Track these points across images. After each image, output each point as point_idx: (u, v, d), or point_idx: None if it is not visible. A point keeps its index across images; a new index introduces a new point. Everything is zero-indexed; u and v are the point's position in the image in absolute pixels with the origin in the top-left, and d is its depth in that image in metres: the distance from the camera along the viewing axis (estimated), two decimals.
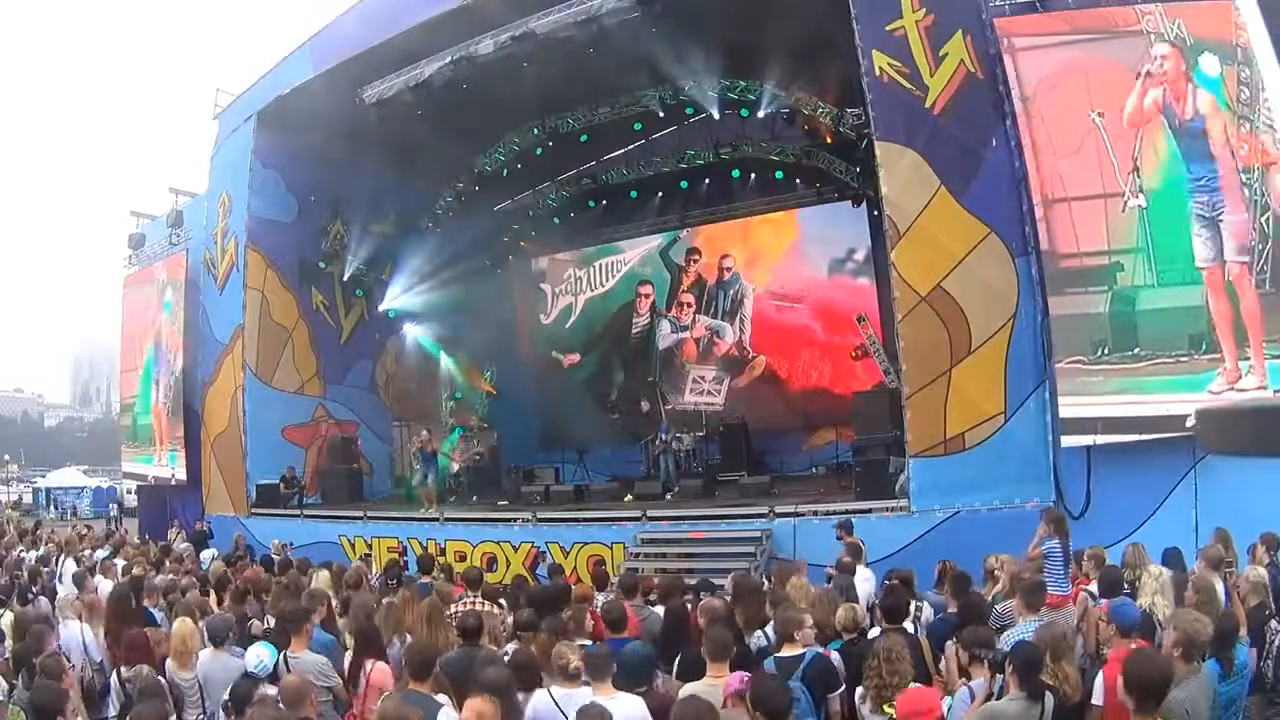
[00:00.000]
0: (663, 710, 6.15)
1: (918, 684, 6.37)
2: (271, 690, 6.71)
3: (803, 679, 6.68)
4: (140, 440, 29.36)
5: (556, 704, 6.19)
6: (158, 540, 21.15)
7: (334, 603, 10.26)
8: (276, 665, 7.31)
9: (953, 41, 15.17)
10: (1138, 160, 14.12)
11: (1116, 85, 14.35)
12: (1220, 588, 8.48)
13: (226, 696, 6.92)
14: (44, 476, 64.95)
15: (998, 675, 6.28)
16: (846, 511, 14.84)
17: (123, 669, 7.86)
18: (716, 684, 6.30)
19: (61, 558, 16.43)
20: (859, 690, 6.33)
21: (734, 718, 5.68)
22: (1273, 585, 8.69)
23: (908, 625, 8.16)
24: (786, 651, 6.93)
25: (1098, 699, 6.27)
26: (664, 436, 22.34)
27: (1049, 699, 6.05)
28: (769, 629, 8.21)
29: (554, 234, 28.99)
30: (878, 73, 15.48)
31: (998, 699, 6.14)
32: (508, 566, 17.41)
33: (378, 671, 7.38)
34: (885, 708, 5.96)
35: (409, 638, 8.48)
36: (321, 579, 11.60)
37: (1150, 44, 14.24)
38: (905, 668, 6.10)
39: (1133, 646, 6.72)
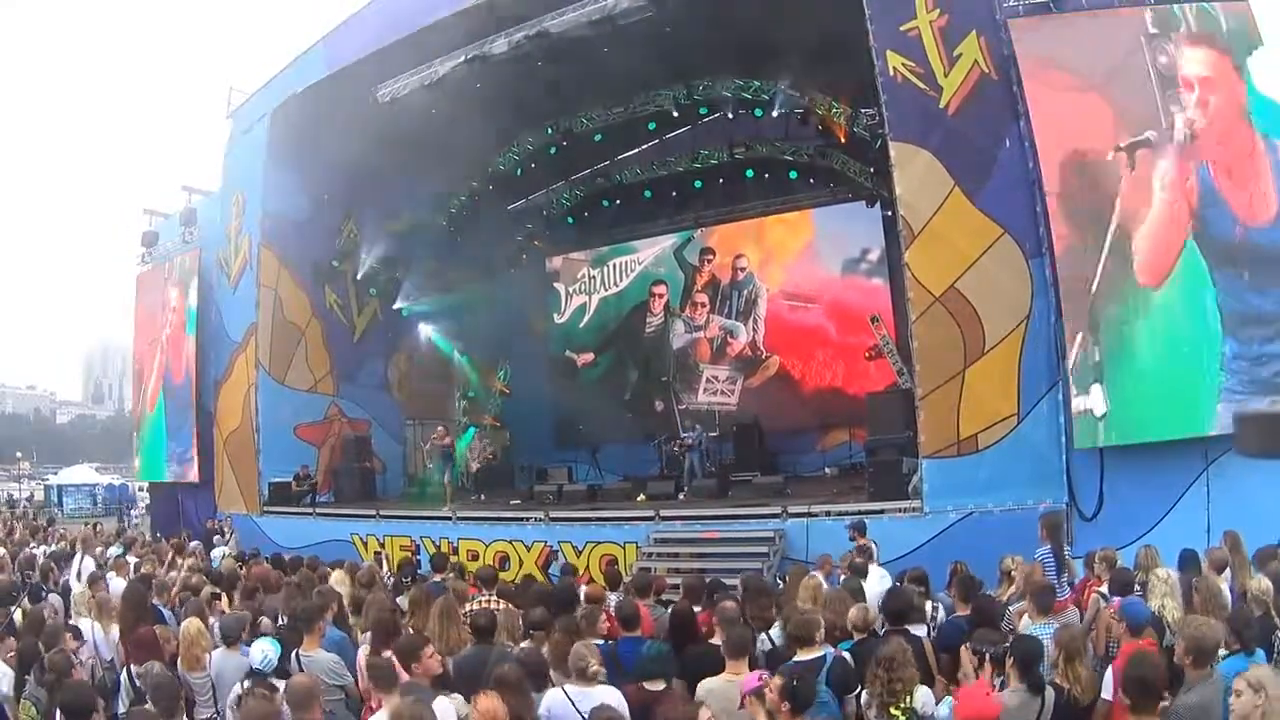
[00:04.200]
0: (633, 705, 6.17)
1: (924, 686, 6.36)
2: (280, 685, 6.73)
3: (827, 682, 6.67)
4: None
5: (572, 702, 6.19)
6: (170, 538, 21.19)
7: (346, 600, 10.29)
8: (288, 662, 7.33)
9: (967, 42, 15.15)
10: None
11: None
12: (1225, 590, 8.47)
13: (236, 694, 6.94)
14: (56, 474, 64.90)
15: (998, 669, 6.31)
16: (860, 512, 14.85)
17: (133, 667, 7.87)
18: (735, 681, 6.29)
19: (79, 555, 16.45)
20: (864, 695, 6.31)
21: (751, 716, 5.66)
22: None
23: (922, 626, 8.15)
24: (805, 655, 6.90)
25: (1107, 694, 6.31)
26: (687, 436, 22.33)
27: (1049, 693, 6.06)
28: (772, 631, 8.22)
29: (568, 233, 29.18)
30: (892, 73, 15.46)
31: (999, 692, 6.15)
32: (520, 566, 17.39)
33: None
34: (891, 711, 5.93)
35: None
36: (336, 578, 11.60)
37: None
38: (909, 672, 6.07)
39: (1141, 644, 6.74)
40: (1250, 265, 13.41)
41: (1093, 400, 13.95)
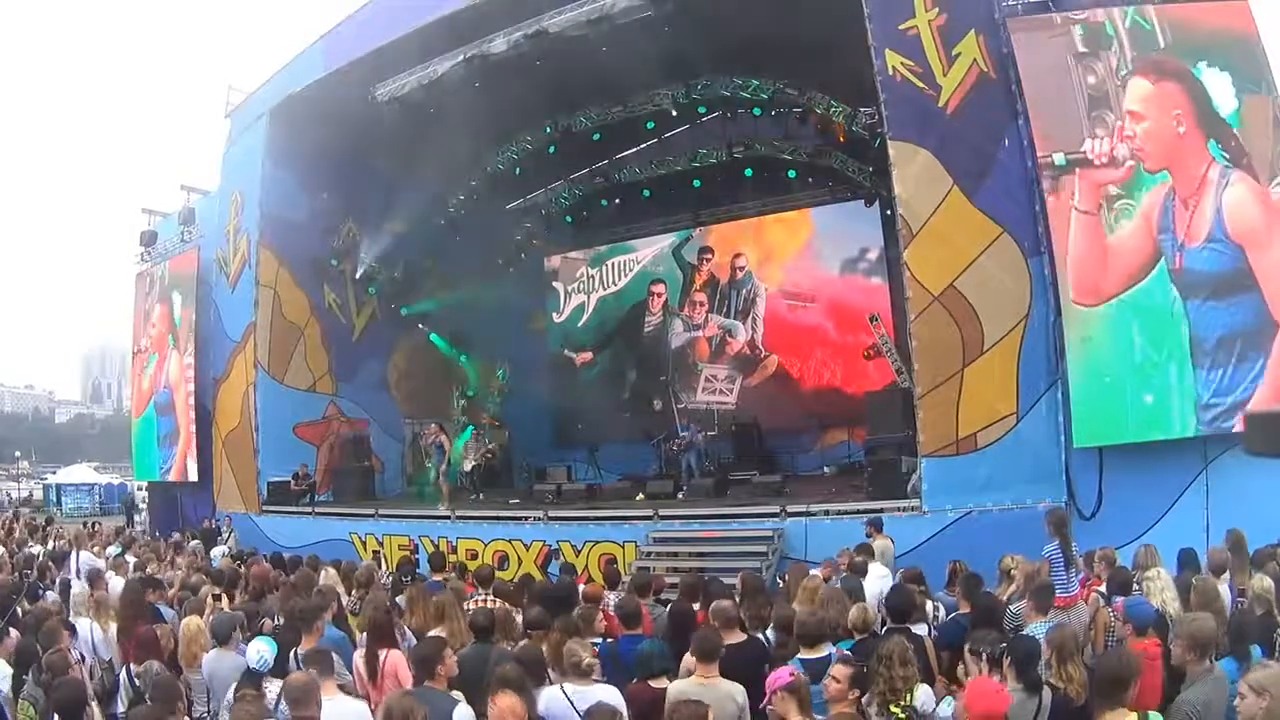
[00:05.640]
0: (638, 702, 6.19)
1: (925, 685, 6.36)
2: (274, 685, 6.71)
3: None
4: None
5: (570, 700, 6.19)
6: (168, 538, 21.22)
7: (344, 599, 10.29)
8: (285, 661, 7.32)
9: (965, 41, 15.16)
10: None
11: None
12: (1225, 590, 8.47)
13: (231, 695, 6.91)
14: (54, 473, 64.85)
15: (995, 669, 6.31)
16: (859, 511, 14.89)
17: (132, 666, 7.86)
18: (706, 684, 6.32)
19: (74, 553, 16.45)
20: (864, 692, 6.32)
21: (784, 711, 5.69)
22: None
23: (923, 625, 8.15)
24: (809, 654, 6.90)
25: None
26: (684, 435, 22.33)
27: (1047, 693, 6.07)
28: (769, 630, 8.22)
29: (566, 233, 29.11)
30: (890, 72, 15.46)
31: None
32: (519, 565, 17.38)
33: (392, 660, 7.37)
34: (891, 709, 5.94)
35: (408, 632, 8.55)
36: (329, 576, 11.60)
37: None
38: (911, 671, 6.08)
39: (1146, 644, 6.75)
40: (1189, 287, 13.81)
41: None
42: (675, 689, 6.31)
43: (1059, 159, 14.24)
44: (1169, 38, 14.39)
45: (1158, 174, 14.04)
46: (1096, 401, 13.95)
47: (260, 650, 7.04)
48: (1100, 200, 14.16)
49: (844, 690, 5.72)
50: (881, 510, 14.79)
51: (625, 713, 5.74)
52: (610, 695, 6.14)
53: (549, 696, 6.27)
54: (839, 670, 5.81)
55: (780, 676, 5.81)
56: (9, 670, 7.87)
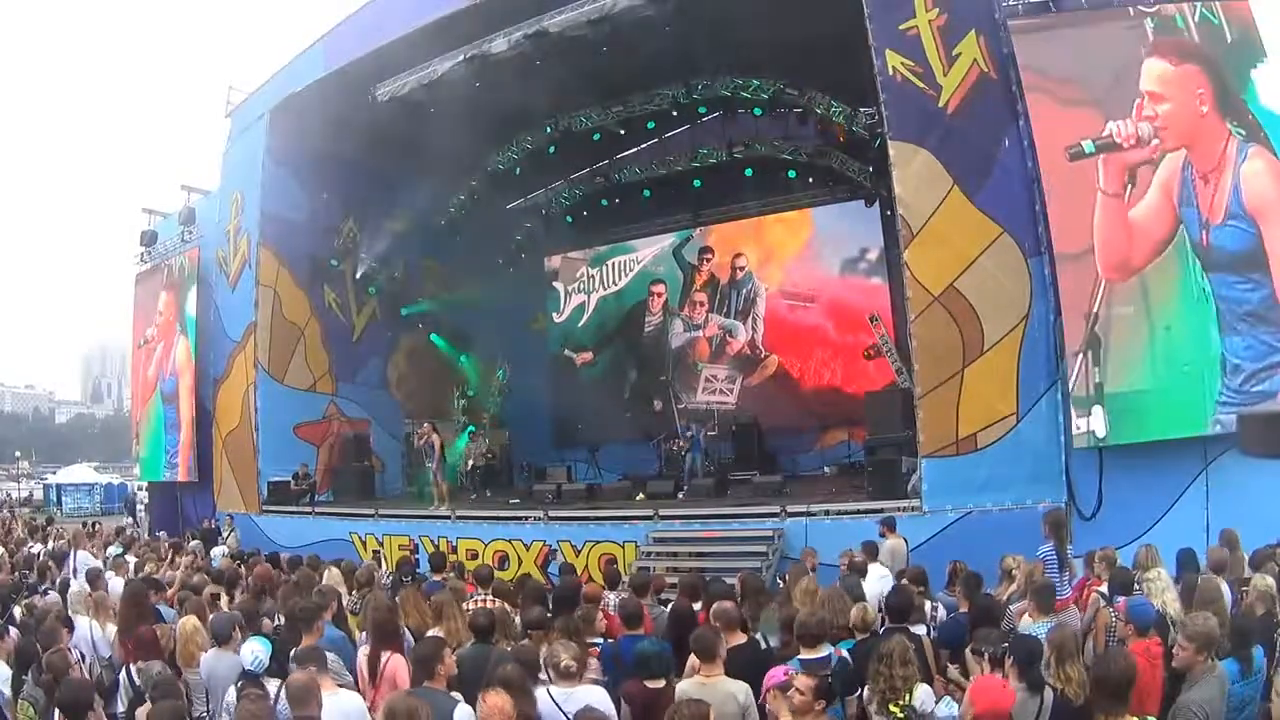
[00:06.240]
0: (634, 701, 6.19)
1: (924, 684, 6.36)
2: (273, 684, 6.70)
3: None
4: None
5: (556, 703, 6.18)
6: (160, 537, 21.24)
7: (345, 599, 10.28)
8: (286, 661, 7.30)
9: (966, 41, 15.15)
10: None
11: None
12: (1226, 590, 8.47)
13: (232, 696, 6.88)
14: (54, 473, 64.75)
15: (998, 669, 6.30)
16: (859, 511, 14.96)
17: (133, 666, 7.84)
18: (708, 683, 6.33)
19: (73, 552, 16.43)
20: (865, 691, 6.31)
21: (776, 709, 5.74)
22: None
23: (921, 625, 8.14)
24: (809, 654, 6.89)
25: None
26: (687, 434, 22.34)
27: (1048, 693, 6.07)
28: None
29: (567, 233, 29.07)
30: (891, 72, 15.44)
31: None
32: (519, 565, 17.37)
33: (393, 664, 7.34)
34: (891, 708, 5.94)
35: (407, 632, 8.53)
36: (332, 575, 11.58)
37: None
38: (911, 670, 6.08)
39: (1148, 644, 6.76)
40: (1214, 263, 13.69)
41: (1094, 422, 13.96)
42: (680, 689, 6.31)
43: (1088, 146, 14.13)
44: (1234, 34, 14.31)
45: (1175, 150, 13.98)
46: (1159, 395, 13.86)
47: (254, 651, 7.00)
48: (1125, 181, 14.09)
49: (809, 703, 5.69)
50: (882, 510, 14.81)
51: (612, 714, 5.75)
52: (596, 697, 6.15)
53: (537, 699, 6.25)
54: (802, 682, 5.77)
55: (775, 675, 5.83)
56: (8, 673, 7.86)
